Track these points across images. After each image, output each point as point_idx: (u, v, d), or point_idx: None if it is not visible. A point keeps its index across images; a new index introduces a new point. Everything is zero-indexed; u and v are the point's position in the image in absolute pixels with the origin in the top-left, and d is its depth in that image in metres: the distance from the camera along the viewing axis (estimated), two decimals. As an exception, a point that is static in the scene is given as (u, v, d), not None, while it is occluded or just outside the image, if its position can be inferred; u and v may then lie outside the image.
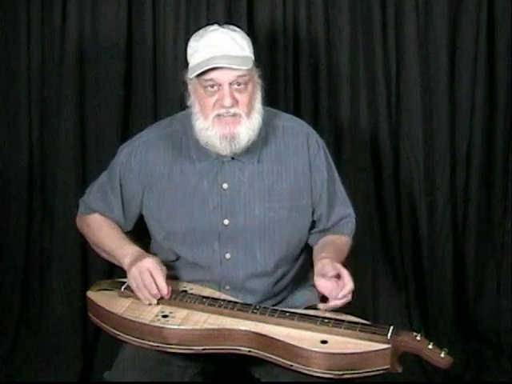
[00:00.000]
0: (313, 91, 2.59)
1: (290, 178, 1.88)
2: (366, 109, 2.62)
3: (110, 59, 2.52)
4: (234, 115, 1.77)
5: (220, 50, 1.75)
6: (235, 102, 1.76)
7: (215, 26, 1.82)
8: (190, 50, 1.82)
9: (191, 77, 1.78)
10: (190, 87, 1.84)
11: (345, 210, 1.98)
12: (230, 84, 1.75)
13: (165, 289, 1.75)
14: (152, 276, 1.75)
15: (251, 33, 2.49)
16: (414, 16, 2.56)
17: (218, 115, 1.77)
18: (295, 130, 1.93)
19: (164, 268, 1.79)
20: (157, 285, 1.75)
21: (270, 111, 1.90)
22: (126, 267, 1.82)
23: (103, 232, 1.95)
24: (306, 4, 2.53)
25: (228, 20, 2.42)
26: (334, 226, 1.96)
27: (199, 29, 1.86)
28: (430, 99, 2.64)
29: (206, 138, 1.79)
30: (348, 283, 1.68)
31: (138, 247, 1.86)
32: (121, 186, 1.94)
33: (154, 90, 2.54)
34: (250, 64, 1.77)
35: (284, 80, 2.56)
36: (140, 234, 1.97)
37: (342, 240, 1.95)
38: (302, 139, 1.91)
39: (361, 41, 2.59)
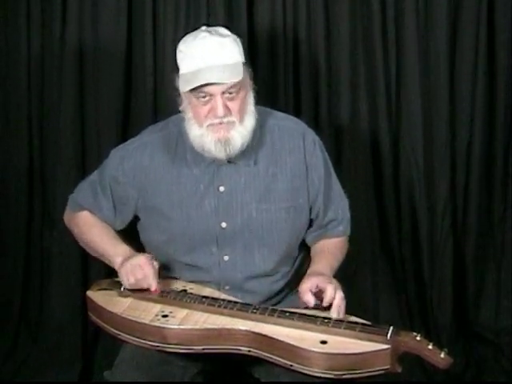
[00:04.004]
0: (313, 92, 2.58)
1: (287, 178, 1.88)
2: (366, 109, 2.62)
3: (110, 60, 2.51)
4: (228, 123, 1.77)
5: (211, 61, 1.73)
6: (228, 111, 1.76)
7: (205, 33, 1.78)
8: (180, 55, 1.80)
9: (183, 91, 1.77)
10: (181, 93, 1.82)
11: (341, 208, 1.97)
12: (223, 93, 1.74)
13: (153, 286, 1.76)
14: (143, 272, 1.76)
15: (251, 33, 2.50)
16: (414, 16, 2.55)
17: (212, 124, 1.77)
18: (291, 129, 1.92)
19: (156, 264, 1.79)
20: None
21: (264, 111, 1.89)
22: (117, 266, 1.82)
23: (94, 232, 1.95)
24: (305, 4, 2.53)
25: (228, 22, 2.41)
26: (329, 225, 1.96)
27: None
28: (429, 99, 2.63)
29: (202, 143, 1.79)
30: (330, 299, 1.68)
31: (129, 247, 1.87)
32: (111, 189, 1.93)
33: (154, 91, 2.53)
34: (240, 74, 1.76)
35: (284, 81, 2.55)
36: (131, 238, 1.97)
37: (336, 244, 1.96)
38: (297, 138, 1.91)
39: (361, 41, 2.58)
